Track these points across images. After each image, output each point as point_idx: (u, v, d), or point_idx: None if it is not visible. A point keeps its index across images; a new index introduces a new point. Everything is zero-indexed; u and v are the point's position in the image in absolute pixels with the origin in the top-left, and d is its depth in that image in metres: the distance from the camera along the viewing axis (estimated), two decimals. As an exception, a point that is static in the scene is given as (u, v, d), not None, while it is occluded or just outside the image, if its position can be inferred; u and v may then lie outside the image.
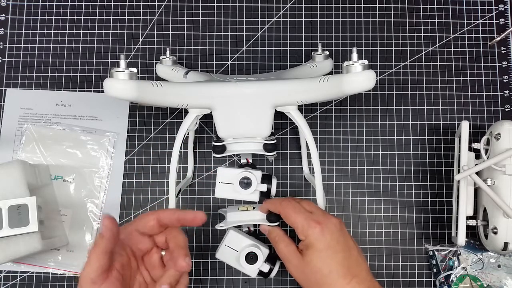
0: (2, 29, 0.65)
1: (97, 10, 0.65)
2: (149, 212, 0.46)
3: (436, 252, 0.58)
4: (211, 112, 0.50)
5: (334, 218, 0.48)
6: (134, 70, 0.46)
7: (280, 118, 0.62)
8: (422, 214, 0.60)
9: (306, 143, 0.53)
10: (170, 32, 0.64)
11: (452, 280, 0.57)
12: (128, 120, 0.63)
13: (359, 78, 0.45)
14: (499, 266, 0.57)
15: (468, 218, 0.55)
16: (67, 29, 0.65)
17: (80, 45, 0.64)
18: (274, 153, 0.51)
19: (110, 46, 0.64)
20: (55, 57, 0.64)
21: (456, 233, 0.56)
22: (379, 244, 0.60)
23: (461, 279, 0.57)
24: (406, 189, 0.61)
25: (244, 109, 0.49)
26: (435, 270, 0.58)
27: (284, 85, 0.49)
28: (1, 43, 0.64)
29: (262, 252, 0.52)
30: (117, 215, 0.60)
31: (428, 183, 0.61)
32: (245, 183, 0.51)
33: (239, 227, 0.56)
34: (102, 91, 0.63)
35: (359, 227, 0.60)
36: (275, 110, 0.50)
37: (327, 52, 0.61)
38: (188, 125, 0.50)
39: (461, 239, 0.54)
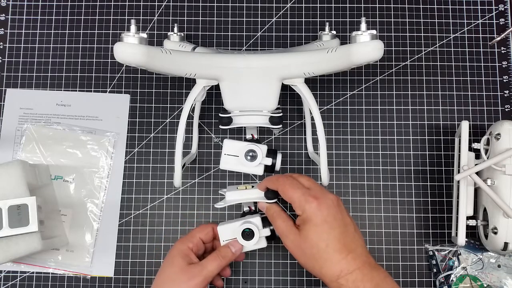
0: (2, 29, 0.65)
1: (97, 10, 0.65)
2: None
3: (436, 252, 0.58)
4: (218, 85, 0.50)
5: (332, 195, 0.48)
6: (144, 35, 0.46)
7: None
8: (422, 214, 0.60)
9: (311, 120, 0.53)
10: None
11: (452, 280, 0.57)
12: (128, 120, 0.63)
13: (367, 47, 0.45)
14: (499, 266, 0.57)
15: (468, 218, 0.55)
16: (67, 29, 0.65)
17: (80, 45, 0.64)
18: (280, 126, 0.52)
19: (110, 46, 0.64)
20: (55, 57, 0.64)
21: (456, 233, 0.56)
22: (379, 244, 0.60)
23: (461, 279, 0.57)
24: (406, 189, 0.61)
25: (252, 82, 0.49)
26: (435, 270, 0.58)
27: (292, 57, 0.49)
28: (1, 43, 0.64)
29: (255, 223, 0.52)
30: (117, 215, 0.60)
31: (428, 183, 0.61)
32: (251, 156, 0.51)
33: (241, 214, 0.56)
34: (102, 91, 0.63)
35: (359, 227, 0.60)
36: (282, 86, 0.50)
37: (334, 32, 0.61)
38: (196, 95, 0.50)
39: (461, 239, 0.54)
